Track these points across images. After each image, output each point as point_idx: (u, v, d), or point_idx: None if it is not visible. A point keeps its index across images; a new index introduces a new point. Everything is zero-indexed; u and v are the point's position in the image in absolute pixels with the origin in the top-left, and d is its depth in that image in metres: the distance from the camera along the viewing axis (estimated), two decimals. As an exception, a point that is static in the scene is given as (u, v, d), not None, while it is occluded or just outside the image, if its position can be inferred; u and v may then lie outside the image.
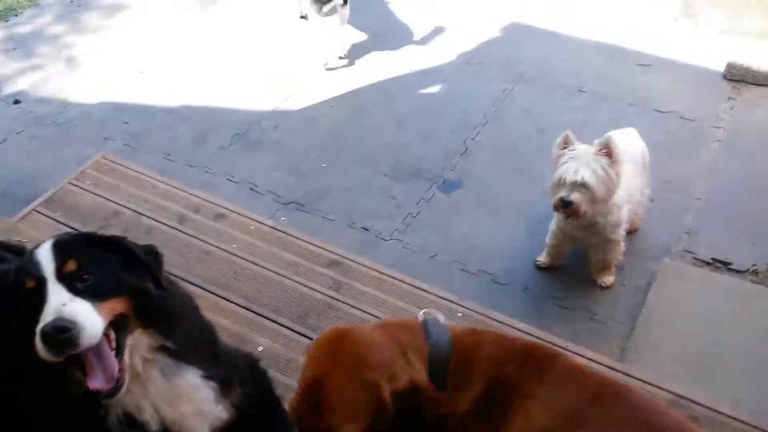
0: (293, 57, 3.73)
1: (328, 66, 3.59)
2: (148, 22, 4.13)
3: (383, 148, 3.08)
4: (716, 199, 2.68)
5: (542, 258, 2.44)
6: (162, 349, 1.19)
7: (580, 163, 2.02)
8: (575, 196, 2.02)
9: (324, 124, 3.26)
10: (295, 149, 3.12)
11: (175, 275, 2.25)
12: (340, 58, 3.63)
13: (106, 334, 1.10)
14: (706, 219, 2.60)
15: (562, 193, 2.03)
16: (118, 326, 1.13)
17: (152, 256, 1.27)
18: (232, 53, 3.81)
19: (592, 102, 3.23)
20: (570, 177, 2.01)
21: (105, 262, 1.18)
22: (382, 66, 3.60)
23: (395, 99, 3.38)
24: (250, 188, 2.90)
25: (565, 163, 2.06)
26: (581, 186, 2.00)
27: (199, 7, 4.21)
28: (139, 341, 1.16)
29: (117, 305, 1.13)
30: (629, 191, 2.18)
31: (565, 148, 2.13)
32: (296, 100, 3.42)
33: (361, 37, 3.84)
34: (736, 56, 3.29)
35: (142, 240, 2.32)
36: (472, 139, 3.09)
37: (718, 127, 3.03)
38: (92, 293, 1.11)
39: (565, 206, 2.04)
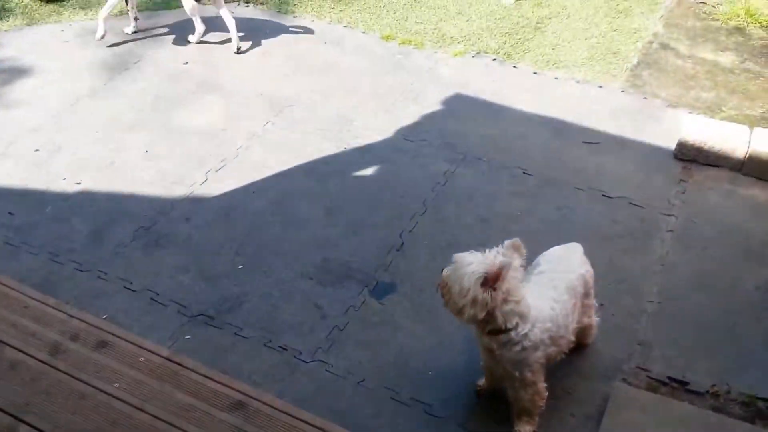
0: (212, 133, 3.55)
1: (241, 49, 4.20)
2: (51, 90, 3.89)
3: (309, 244, 2.89)
4: (670, 302, 2.60)
5: (482, 381, 2.27)
6: None
7: (478, 255, 1.88)
8: (446, 269, 1.91)
9: (244, 215, 3.05)
10: (208, 246, 2.89)
11: (36, 428, 2.03)
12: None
13: None
14: (659, 327, 2.50)
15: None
16: None
17: None
18: (143, 127, 3.60)
19: (537, 186, 3.16)
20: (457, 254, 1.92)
21: None
22: (314, 143, 3.47)
23: (326, 183, 3.23)
24: (151, 298, 2.64)
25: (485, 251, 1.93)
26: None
27: (108, 74, 4.00)
28: None
29: None
30: (555, 331, 2.00)
31: (515, 252, 1.97)
32: (214, 185, 3.22)
33: (294, 108, 3.71)
34: (687, 134, 3.32)
35: (4, 379, 2.08)
36: (410, 231, 2.95)
37: (669, 215, 3.00)
38: None
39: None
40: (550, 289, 2.07)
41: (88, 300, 2.63)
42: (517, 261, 1.90)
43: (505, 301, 1.87)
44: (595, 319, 2.33)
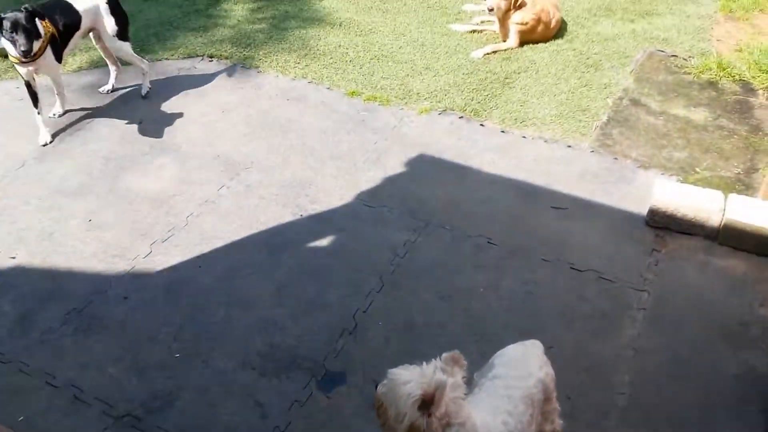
0: (162, 199, 3.32)
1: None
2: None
3: (255, 328, 2.65)
4: (642, 394, 2.37)
5: (435, 497, 2.01)
6: None
7: (415, 372, 1.65)
8: (380, 386, 1.69)
9: (187, 293, 2.82)
10: (144, 331, 2.64)
11: None
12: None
13: None
14: (632, 424, 2.26)
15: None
16: None
17: None
18: (89, 193, 3.37)
19: (502, 258, 2.96)
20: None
21: None
22: (269, 209, 3.25)
23: (278, 255, 3.01)
24: (74, 395, 2.38)
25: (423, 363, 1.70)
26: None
27: (59, 134, 3.79)
28: None
29: None
30: None
31: (455, 365, 1.75)
32: (158, 258, 2.99)
33: (251, 171, 3.51)
34: (658, 200, 3.13)
35: None
36: (364, 311, 2.72)
37: (642, 290, 2.79)
38: None
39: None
40: (504, 399, 1.84)
41: (6, 397, 2.37)
42: (458, 375, 1.68)
43: (448, 425, 1.64)
44: (559, 423, 2.09)
